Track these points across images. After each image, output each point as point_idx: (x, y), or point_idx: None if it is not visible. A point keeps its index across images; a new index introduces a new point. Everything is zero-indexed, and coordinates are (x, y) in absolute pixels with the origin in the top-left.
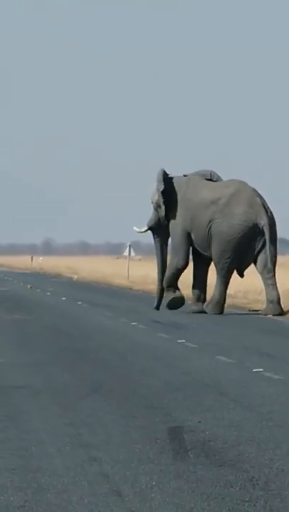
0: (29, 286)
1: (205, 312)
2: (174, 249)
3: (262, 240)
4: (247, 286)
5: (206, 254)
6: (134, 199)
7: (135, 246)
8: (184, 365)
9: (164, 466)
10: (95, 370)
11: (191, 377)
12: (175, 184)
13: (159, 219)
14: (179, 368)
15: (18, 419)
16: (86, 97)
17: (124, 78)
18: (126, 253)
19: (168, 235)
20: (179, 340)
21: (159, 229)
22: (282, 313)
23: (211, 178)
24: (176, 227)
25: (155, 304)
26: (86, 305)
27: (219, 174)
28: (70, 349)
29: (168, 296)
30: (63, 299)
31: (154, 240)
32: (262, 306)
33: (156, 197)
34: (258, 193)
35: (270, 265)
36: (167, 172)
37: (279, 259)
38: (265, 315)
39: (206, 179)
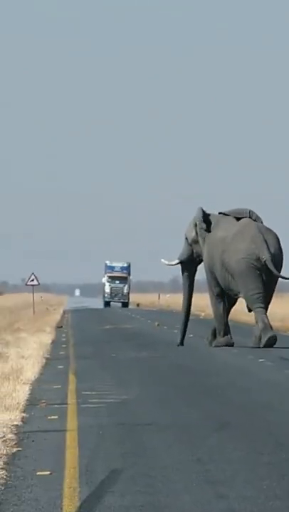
0: (156, 324)
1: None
2: (208, 283)
3: (269, 275)
4: None
5: (228, 292)
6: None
7: None
8: None
9: None
10: (222, 406)
11: None
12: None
13: (191, 253)
14: None
15: (146, 456)
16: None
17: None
18: None
19: (196, 271)
20: None
21: (189, 264)
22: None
23: (250, 217)
24: (204, 262)
25: (178, 340)
26: None
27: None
28: (197, 386)
29: (218, 340)
30: (190, 336)
31: (182, 274)
32: None
33: (193, 233)
34: (265, 230)
35: (266, 301)
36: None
37: None
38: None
39: (238, 218)
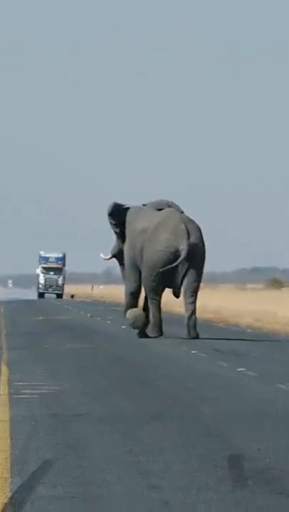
0: (89, 315)
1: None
2: (125, 276)
3: (186, 265)
4: None
5: None
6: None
7: None
8: (243, 394)
9: (223, 494)
10: (156, 397)
11: (250, 405)
12: (128, 214)
13: (121, 247)
14: (239, 396)
15: (78, 447)
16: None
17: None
18: None
19: None
20: (238, 369)
21: (122, 256)
22: (197, 337)
23: (169, 207)
24: (126, 255)
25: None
26: None
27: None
28: (130, 377)
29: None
30: (123, 327)
31: (120, 266)
32: None
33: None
34: (187, 220)
35: (189, 291)
36: (121, 203)
37: None
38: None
39: (159, 209)
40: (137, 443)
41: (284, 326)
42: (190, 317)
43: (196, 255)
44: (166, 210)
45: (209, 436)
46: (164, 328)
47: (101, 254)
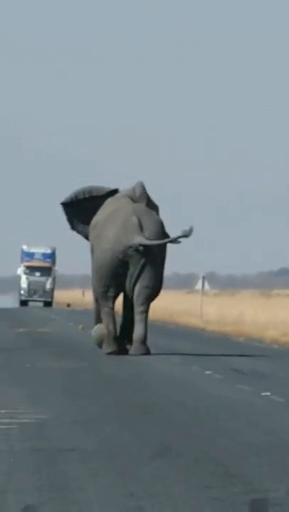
0: (80, 327)
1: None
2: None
3: (139, 266)
4: None
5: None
6: (208, 224)
7: (210, 278)
8: (268, 424)
9: None
10: (160, 428)
11: (276, 438)
12: (106, 202)
13: None
14: (263, 426)
15: (67, 489)
16: None
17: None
18: (199, 286)
19: None
20: (262, 393)
21: None
22: (147, 353)
23: (133, 194)
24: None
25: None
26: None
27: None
28: (129, 403)
29: None
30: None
31: None
32: None
33: None
34: (144, 211)
35: (140, 297)
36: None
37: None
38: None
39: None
40: (139, 484)
41: None
42: (138, 331)
43: (150, 254)
44: (121, 200)
45: (227, 477)
46: (169, 342)
47: None
